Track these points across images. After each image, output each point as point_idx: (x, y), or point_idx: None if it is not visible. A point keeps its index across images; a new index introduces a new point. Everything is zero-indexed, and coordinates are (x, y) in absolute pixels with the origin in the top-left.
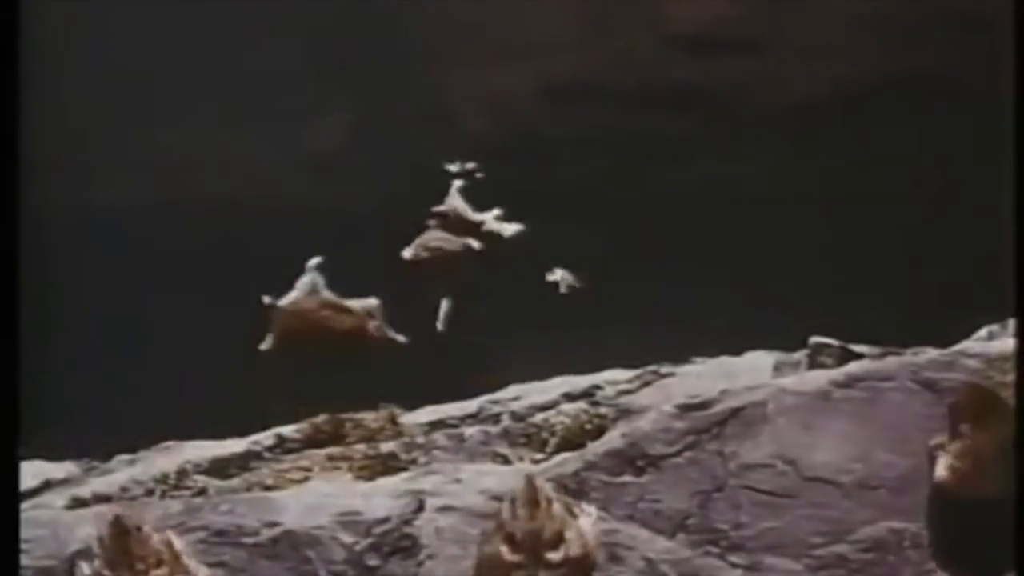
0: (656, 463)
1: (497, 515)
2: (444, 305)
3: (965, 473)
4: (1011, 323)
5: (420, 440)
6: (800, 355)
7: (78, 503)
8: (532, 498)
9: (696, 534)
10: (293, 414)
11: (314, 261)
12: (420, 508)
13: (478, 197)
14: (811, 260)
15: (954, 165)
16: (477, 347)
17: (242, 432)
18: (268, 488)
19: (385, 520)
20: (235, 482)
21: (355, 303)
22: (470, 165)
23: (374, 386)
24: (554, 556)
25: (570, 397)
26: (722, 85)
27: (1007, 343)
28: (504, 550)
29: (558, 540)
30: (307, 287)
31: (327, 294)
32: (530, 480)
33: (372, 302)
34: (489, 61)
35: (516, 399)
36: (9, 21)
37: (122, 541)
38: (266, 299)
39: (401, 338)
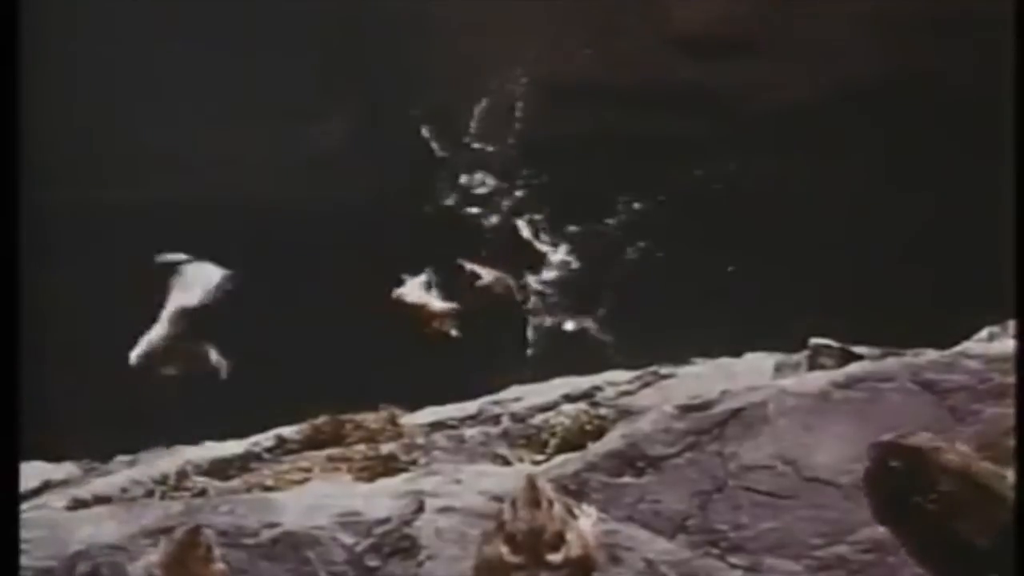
0: (656, 464)
1: (498, 516)
2: (491, 279)
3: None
4: (1011, 324)
5: (420, 441)
6: (800, 356)
7: (78, 504)
8: (533, 499)
9: (696, 535)
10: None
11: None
12: (420, 509)
13: (480, 198)
14: (811, 260)
15: (954, 165)
16: (480, 348)
17: (242, 433)
18: (268, 489)
19: (385, 521)
20: (235, 483)
21: (435, 303)
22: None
23: (374, 387)
24: (555, 557)
25: (570, 398)
26: (723, 85)
27: (1007, 344)
28: (505, 551)
29: (559, 541)
30: (418, 284)
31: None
32: (531, 481)
33: (446, 305)
34: (490, 61)
35: (516, 400)
36: (9, 21)
37: (187, 554)
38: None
39: (455, 332)
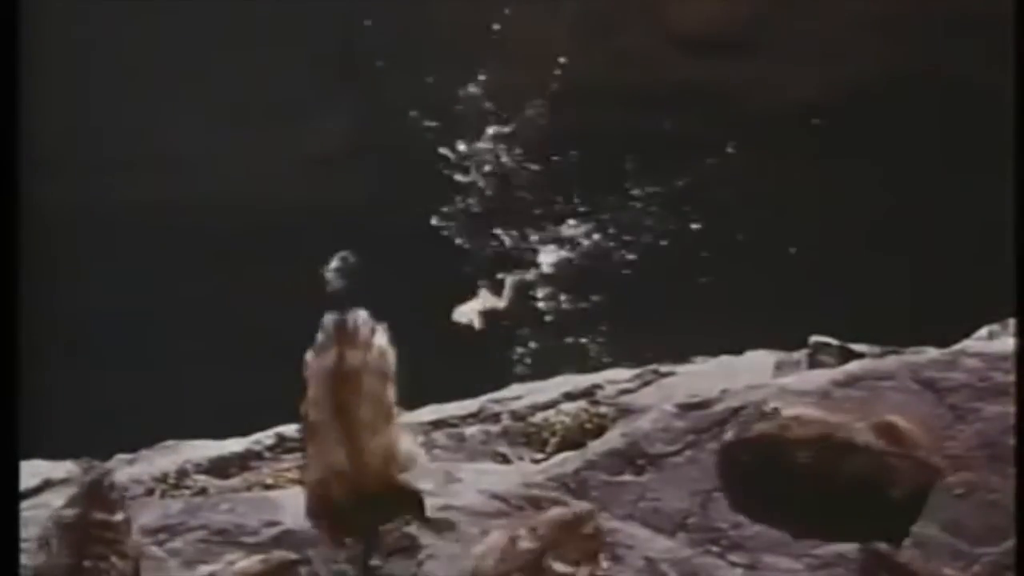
0: (656, 462)
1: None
2: (509, 281)
3: None
4: (1011, 323)
5: (420, 439)
6: (800, 354)
7: None
8: None
9: (696, 533)
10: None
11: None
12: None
13: (479, 197)
14: (811, 260)
15: (954, 165)
16: (480, 347)
17: (242, 432)
18: (268, 487)
19: None
20: (235, 481)
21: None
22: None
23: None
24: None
25: (570, 396)
26: (723, 85)
27: (1007, 343)
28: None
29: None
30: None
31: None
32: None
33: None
34: (490, 60)
35: (516, 398)
36: (9, 21)
37: None
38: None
39: (478, 325)
